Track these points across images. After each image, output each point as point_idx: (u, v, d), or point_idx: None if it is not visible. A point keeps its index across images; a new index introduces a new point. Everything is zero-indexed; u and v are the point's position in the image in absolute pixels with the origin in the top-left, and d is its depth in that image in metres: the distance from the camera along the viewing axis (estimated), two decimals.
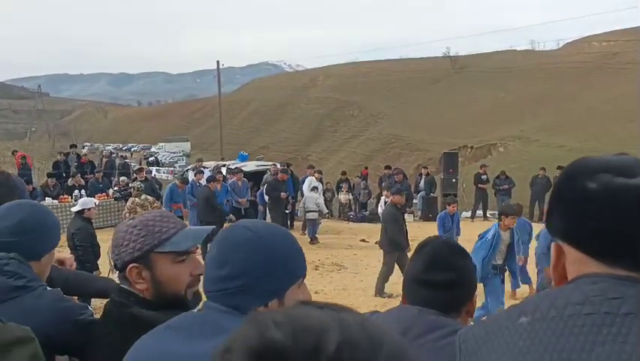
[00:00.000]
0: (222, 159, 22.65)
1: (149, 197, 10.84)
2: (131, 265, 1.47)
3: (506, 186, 17.34)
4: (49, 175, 15.62)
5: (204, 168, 15.04)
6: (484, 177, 17.92)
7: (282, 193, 13.00)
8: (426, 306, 1.61)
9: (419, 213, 17.96)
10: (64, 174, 16.47)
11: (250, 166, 16.55)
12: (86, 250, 6.80)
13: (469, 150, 42.51)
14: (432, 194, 17.96)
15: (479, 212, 18.07)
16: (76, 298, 2.19)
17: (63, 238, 4.89)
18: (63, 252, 5.39)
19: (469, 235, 11.54)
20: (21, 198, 2.08)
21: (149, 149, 77.56)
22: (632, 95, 43.42)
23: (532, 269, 8.55)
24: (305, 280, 1.21)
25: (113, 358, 1.26)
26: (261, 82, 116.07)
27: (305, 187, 14.42)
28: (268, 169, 15.46)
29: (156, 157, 58.95)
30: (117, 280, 1.64)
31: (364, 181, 20.33)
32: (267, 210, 13.63)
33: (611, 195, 0.90)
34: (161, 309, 1.43)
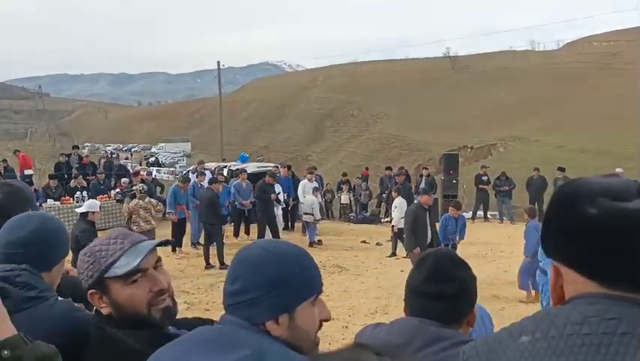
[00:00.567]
0: (223, 160, 22.65)
1: (152, 200, 10.89)
2: (90, 292, 1.51)
3: (507, 188, 17.35)
4: (50, 176, 15.61)
5: (205, 169, 15.04)
6: (484, 177, 17.93)
7: (272, 195, 12.96)
8: (427, 317, 1.64)
9: None
10: (66, 176, 16.47)
11: (251, 167, 16.55)
12: None
13: (470, 150, 42.55)
14: (432, 195, 17.97)
15: (480, 213, 18.08)
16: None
17: None
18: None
19: (470, 237, 11.59)
20: (31, 209, 2.11)
21: (150, 149, 77.62)
22: (632, 96, 43.39)
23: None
24: None
25: None
26: (262, 82, 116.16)
27: (300, 192, 14.31)
28: (268, 170, 15.45)
29: (157, 158, 58.94)
30: None
31: (365, 182, 20.34)
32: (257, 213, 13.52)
33: (611, 220, 0.93)
34: (131, 328, 1.46)
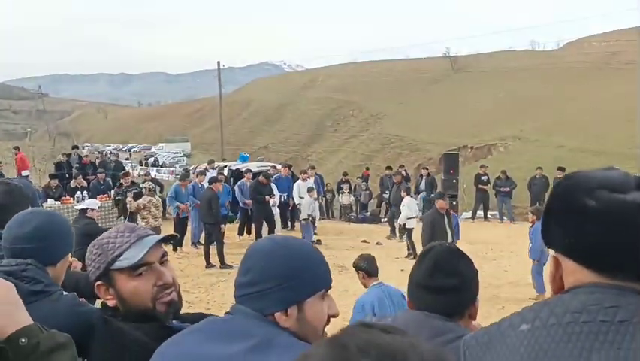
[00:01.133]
0: (223, 160, 22.68)
1: (153, 198, 10.93)
2: (97, 284, 1.54)
3: (507, 189, 17.38)
4: (51, 176, 15.63)
5: (213, 168, 15.13)
6: (484, 177, 17.97)
7: (266, 197, 12.96)
8: (430, 310, 1.67)
9: (420, 214, 18.00)
10: (66, 175, 16.49)
11: (251, 167, 16.58)
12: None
13: (470, 150, 42.55)
14: (432, 195, 18.00)
15: (480, 212, 18.12)
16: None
17: None
18: None
19: (470, 236, 11.62)
20: (33, 206, 2.13)
21: (150, 149, 77.58)
22: (632, 95, 43.39)
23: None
24: None
25: None
26: (261, 82, 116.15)
27: (295, 193, 14.30)
28: (264, 172, 15.43)
29: (156, 158, 58.93)
30: None
31: (365, 182, 20.37)
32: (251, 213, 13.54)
33: (610, 211, 0.95)
34: (137, 322, 1.49)
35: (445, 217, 9.01)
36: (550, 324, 0.94)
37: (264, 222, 12.87)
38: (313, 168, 16.87)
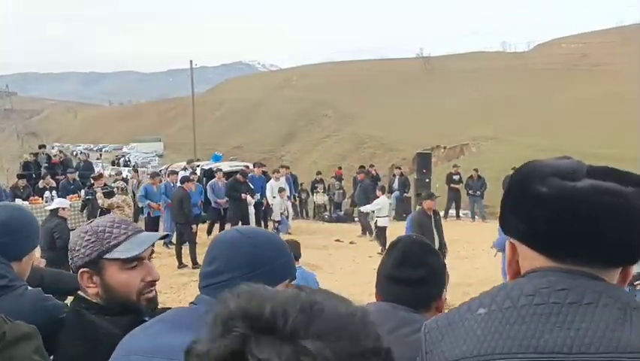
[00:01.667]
0: (197, 160, 22.52)
1: (127, 198, 10.82)
2: (82, 270, 1.53)
3: (478, 193, 17.66)
4: (19, 176, 15.32)
5: (197, 167, 15.10)
6: (455, 177, 18.20)
7: (242, 194, 12.94)
8: (397, 302, 1.69)
9: (393, 213, 18.13)
10: (34, 175, 16.19)
11: (224, 167, 16.50)
12: (66, 246, 6.80)
13: (442, 150, 42.99)
14: (405, 194, 18.15)
15: (452, 212, 18.31)
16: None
17: None
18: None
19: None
20: None
21: (121, 149, 76.58)
22: (601, 97, 44.37)
23: None
24: None
25: None
26: (235, 82, 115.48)
27: (267, 193, 14.28)
28: (241, 170, 15.41)
29: (128, 157, 58.20)
30: None
31: (339, 182, 20.43)
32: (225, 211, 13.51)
33: (560, 198, 0.99)
34: (113, 315, 1.49)
35: (432, 218, 8.94)
36: (506, 307, 0.98)
37: (239, 222, 12.81)
38: (285, 167, 16.85)
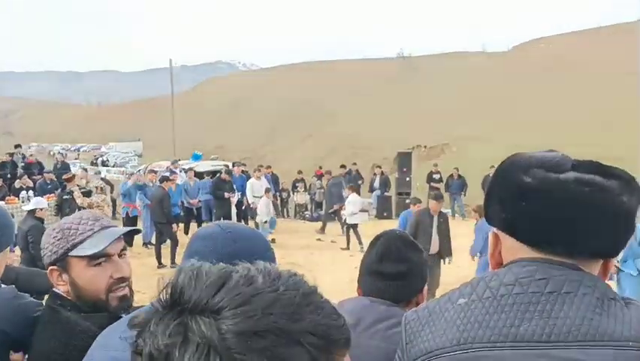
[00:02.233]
0: (178, 160, 22.36)
1: (107, 197, 10.72)
2: (51, 268, 1.52)
3: (459, 194, 17.82)
4: None
5: (176, 168, 14.99)
6: (436, 176, 18.35)
7: (226, 193, 12.90)
8: (378, 296, 1.69)
9: (374, 211, 18.21)
10: (9, 175, 15.94)
11: (204, 166, 16.42)
12: (39, 249, 6.70)
13: (423, 149, 43.27)
14: (386, 193, 18.24)
15: None
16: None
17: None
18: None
19: None
20: None
21: (99, 149, 75.77)
22: (579, 97, 45.01)
23: None
24: None
25: None
26: (215, 81, 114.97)
27: (248, 192, 14.22)
28: (221, 170, 15.35)
29: (107, 157, 57.62)
30: None
31: (320, 181, 20.44)
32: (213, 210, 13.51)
33: (544, 189, 1.00)
34: (88, 312, 1.47)
35: (435, 219, 8.33)
36: (486, 297, 0.99)
37: (222, 219, 12.77)
38: (265, 166, 16.83)
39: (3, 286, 1.70)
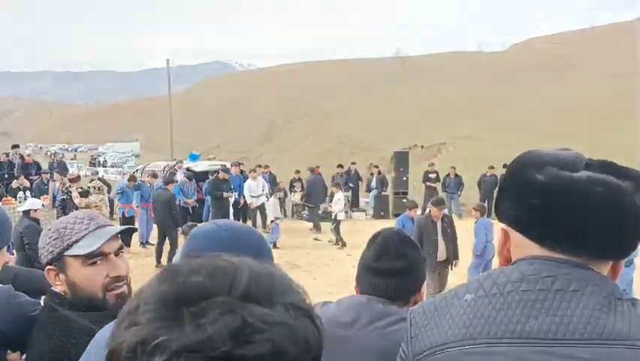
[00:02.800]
0: (175, 160, 22.33)
1: (105, 197, 10.69)
2: (48, 268, 1.52)
3: (457, 193, 17.83)
4: None
5: (180, 169, 15.06)
6: (432, 175, 18.37)
7: (225, 193, 12.88)
8: (376, 294, 1.68)
9: (371, 211, 18.21)
10: (6, 175, 15.89)
11: (202, 166, 16.40)
12: (35, 249, 6.68)
13: (420, 149, 43.31)
14: (383, 192, 18.24)
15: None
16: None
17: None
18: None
19: None
20: None
21: (97, 149, 75.69)
22: (575, 96, 45.11)
23: None
24: None
25: None
26: (213, 81, 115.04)
27: (245, 192, 14.17)
28: (218, 170, 15.30)
29: (104, 157, 57.57)
30: None
31: None
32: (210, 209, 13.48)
33: (556, 187, 1.00)
34: (84, 311, 1.47)
35: (439, 225, 8.00)
36: (493, 293, 0.99)
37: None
38: (261, 166, 16.79)
39: (0, 285, 1.69)
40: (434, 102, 55.75)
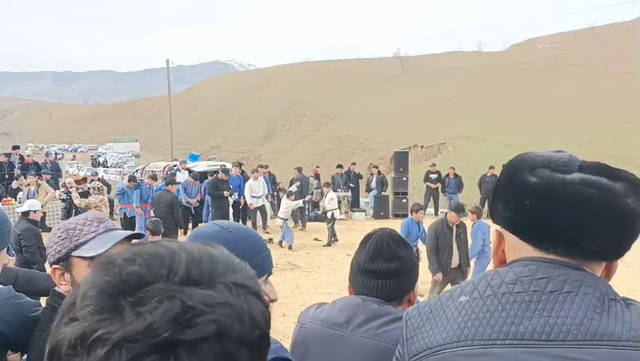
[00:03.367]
0: (183, 161, 22.30)
1: (105, 198, 10.70)
2: (54, 267, 1.53)
3: (457, 193, 17.81)
4: None
5: (185, 169, 15.18)
6: (433, 175, 18.36)
7: (225, 193, 12.89)
8: (370, 294, 1.69)
9: (371, 211, 18.20)
10: (6, 176, 15.90)
11: (201, 166, 16.40)
12: (33, 252, 6.67)
13: (420, 148, 43.31)
14: (383, 192, 18.23)
15: (430, 210, 18.41)
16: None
17: None
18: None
19: None
20: None
21: (96, 149, 75.66)
22: (573, 96, 45.09)
23: None
24: None
25: None
26: (212, 81, 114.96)
27: (246, 193, 14.14)
28: (218, 170, 15.28)
29: (104, 158, 57.53)
30: None
31: (317, 180, 20.41)
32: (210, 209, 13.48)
33: (549, 188, 1.00)
34: None
35: (454, 230, 7.91)
36: (487, 295, 0.99)
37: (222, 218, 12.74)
38: (263, 166, 16.73)
39: (0, 286, 1.70)
40: (434, 102, 55.71)
